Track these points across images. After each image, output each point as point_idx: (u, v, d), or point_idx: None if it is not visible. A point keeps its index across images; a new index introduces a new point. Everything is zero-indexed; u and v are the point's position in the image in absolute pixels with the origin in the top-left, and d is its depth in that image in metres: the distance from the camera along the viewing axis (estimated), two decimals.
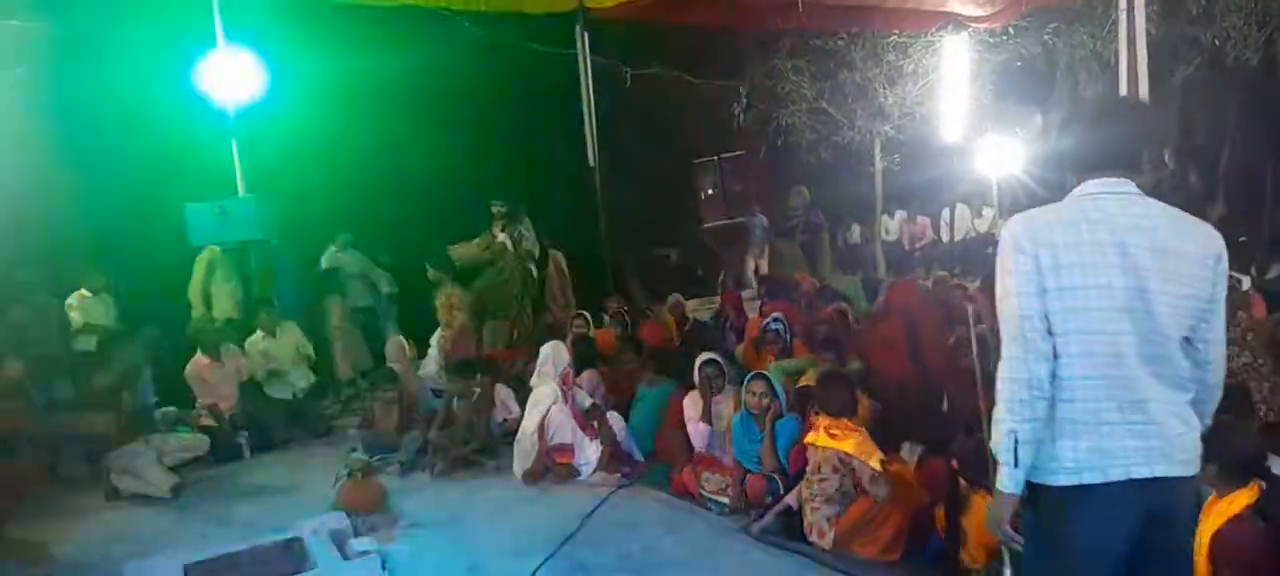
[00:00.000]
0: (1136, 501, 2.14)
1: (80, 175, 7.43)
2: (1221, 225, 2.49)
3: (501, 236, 8.53)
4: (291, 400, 7.35)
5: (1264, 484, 3.05)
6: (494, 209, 8.57)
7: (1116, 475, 2.13)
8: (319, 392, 7.76)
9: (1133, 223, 2.16)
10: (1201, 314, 2.18)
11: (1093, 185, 2.22)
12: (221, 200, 7.25)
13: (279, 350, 7.44)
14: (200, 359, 6.88)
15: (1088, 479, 2.15)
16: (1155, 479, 2.14)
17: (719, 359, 5.53)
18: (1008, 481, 2.21)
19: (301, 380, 7.51)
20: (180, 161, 7.70)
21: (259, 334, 7.41)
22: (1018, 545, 2.30)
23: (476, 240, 8.47)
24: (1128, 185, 2.21)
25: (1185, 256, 2.16)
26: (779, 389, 4.94)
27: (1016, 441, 2.18)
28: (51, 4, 6.84)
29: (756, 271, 11.78)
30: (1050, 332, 2.18)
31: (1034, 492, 2.21)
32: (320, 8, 8.20)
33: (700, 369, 5.42)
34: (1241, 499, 2.93)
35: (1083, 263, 2.15)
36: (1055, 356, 2.19)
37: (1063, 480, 2.17)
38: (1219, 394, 2.28)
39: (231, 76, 7.20)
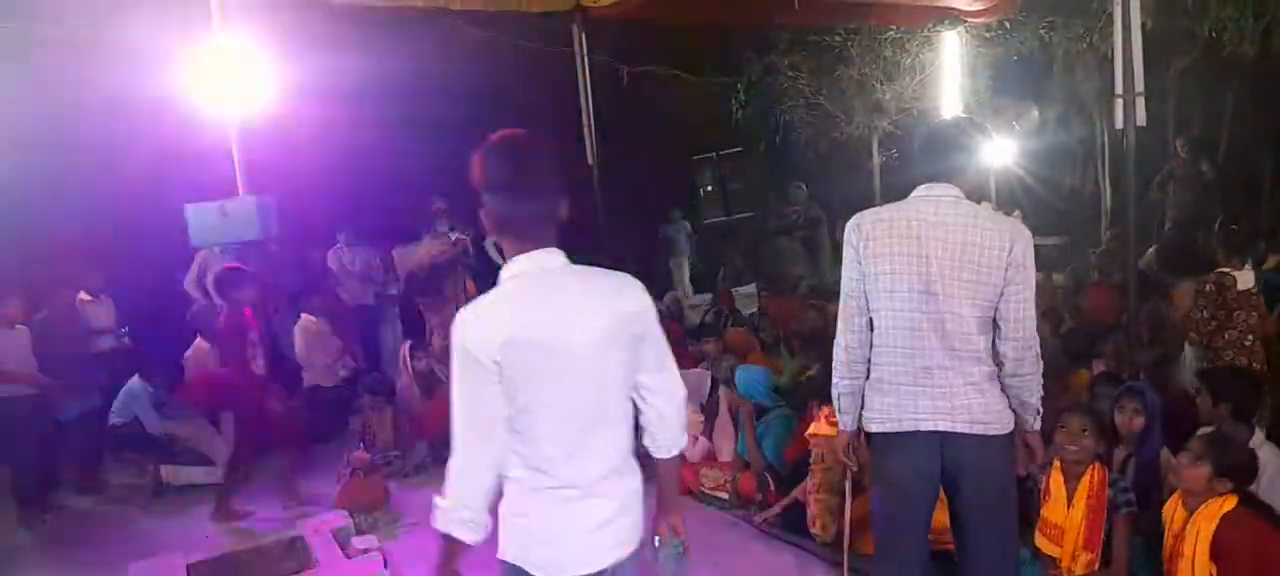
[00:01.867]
0: (930, 446, 2.68)
1: (78, 175, 7.44)
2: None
3: (457, 233, 7.81)
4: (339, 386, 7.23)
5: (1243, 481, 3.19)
6: (435, 205, 7.82)
7: (909, 426, 2.68)
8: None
9: (938, 221, 2.58)
10: (999, 296, 2.57)
11: (919, 190, 2.68)
12: (222, 201, 7.24)
13: None
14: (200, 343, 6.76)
15: (890, 428, 2.72)
16: (942, 431, 2.65)
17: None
18: (841, 424, 2.88)
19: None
20: (179, 161, 7.69)
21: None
22: (854, 466, 3.03)
23: (428, 241, 7.83)
24: (949, 190, 2.65)
25: (977, 248, 2.55)
26: (746, 388, 4.99)
27: (839, 396, 2.83)
28: (51, 3, 6.83)
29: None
30: (867, 309, 2.70)
31: (868, 434, 2.83)
32: (318, 8, 8.18)
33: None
34: (1232, 498, 3.10)
35: (888, 253, 2.59)
36: (872, 328, 2.71)
37: (876, 427, 2.77)
38: (1028, 362, 2.62)
39: (230, 76, 7.19)
